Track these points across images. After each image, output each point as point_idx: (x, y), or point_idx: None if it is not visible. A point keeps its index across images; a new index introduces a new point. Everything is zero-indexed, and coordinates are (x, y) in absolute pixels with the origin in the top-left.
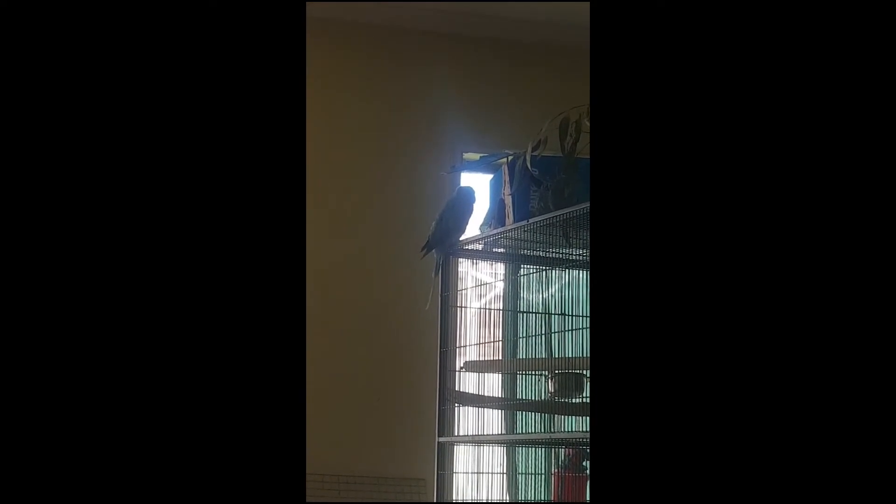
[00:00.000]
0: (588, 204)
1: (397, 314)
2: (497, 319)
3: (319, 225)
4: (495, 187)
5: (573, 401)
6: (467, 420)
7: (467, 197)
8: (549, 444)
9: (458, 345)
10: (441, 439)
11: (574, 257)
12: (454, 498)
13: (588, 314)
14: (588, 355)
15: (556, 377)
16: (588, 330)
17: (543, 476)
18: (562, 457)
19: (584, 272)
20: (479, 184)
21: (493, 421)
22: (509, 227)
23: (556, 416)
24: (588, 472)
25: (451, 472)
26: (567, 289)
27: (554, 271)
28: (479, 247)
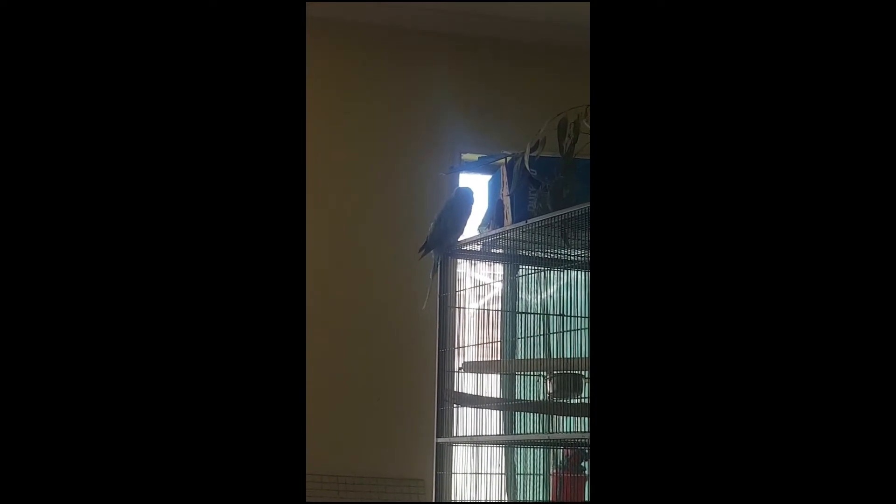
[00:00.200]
0: (587, 205)
1: (396, 315)
2: (495, 320)
3: (319, 225)
4: (494, 188)
5: (572, 401)
6: (466, 421)
7: (466, 197)
8: (548, 444)
9: (456, 345)
10: (440, 440)
11: (572, 258)
12: (453, 498)
13: (586, 315)
14: (586, 356)
15: (555, 378)
16: (586, 331)
17: (542, 476)
18: (560, 457)
19: (583, 273)
20: (477, 184)
21: (491, 421)
22: (508, 228)
23: (554, 416)
24: (586, 472)
25: (450, 473)
26: (565, 289)
27: (552, 272)
28: (478, 247)
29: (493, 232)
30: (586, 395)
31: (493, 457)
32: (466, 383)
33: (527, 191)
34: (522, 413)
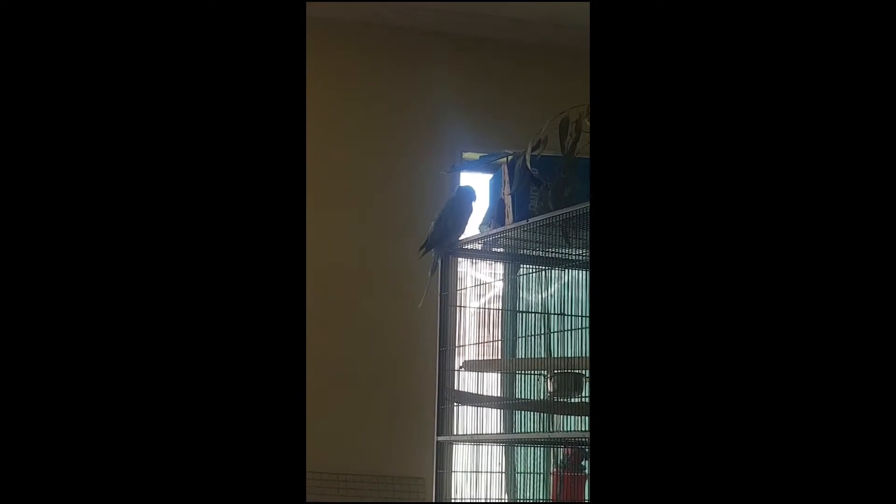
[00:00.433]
0: (588, 204)
1: (397, 313)
2: (496, 319)
3: (319, 224)
4: (495, 187)
5: (572, 400)
6: (466, 419)
7: (467, 196)
8: (548, 443)
9: (457, 344)
10: (440, 438)
11: (573, 257)
12: (453, 497)
13: (587, 314)
14: (587, 355)
15: (555, 377)
16: (587, 330)
17: (542, 475)
18: (560, 456)
19: (584, 272)
20: (478, 183)
21: (491, 420)
22: (509, 227)
23: (554, 415)
24: (587, 471)
25: (450, 471)
26: (566, 289)
27: (553, 271)
28: (479, 246)
29: (495, 231)
30: (587, 395)
31: (494, 455)
32: (467, 382)
33: (528, 190)
34: (523, 412)
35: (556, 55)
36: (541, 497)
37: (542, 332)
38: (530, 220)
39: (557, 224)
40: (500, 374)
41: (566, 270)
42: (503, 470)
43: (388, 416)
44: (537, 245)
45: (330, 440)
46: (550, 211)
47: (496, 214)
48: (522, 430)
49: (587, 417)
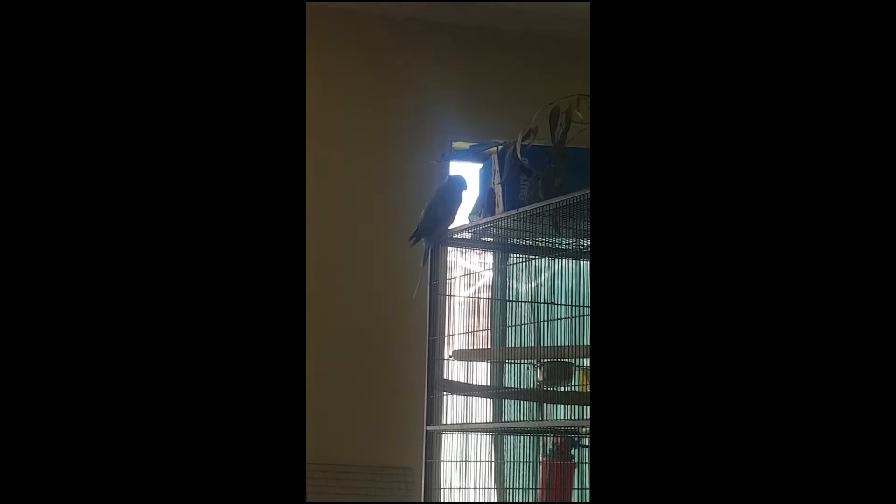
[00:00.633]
0: (578, 193)
1: (387, 303)
2: (486, 308)
3: (310, 214)
4: (485, 176)
5: (561, 389)
6: (455, 408)
7: (457, 186)
8: (537, 432)
9: (446, 333)
10: (429, 428)
11: (563, 246)
12: (442, 486)
13: (576, 303)
14: (576, 344)
15: (544, 366)
16: (576, 319)
17: (531, 464)
18: (549, 445)
19: (573, 261)
20: (469, 173)
21: (480, 409)
22: (499, 216)
23: (544, 404)
24: (575, 459)
25: (439, 461)
26: (556, 278)
27: (543, 260)
28: (468, 236)
29: (485, 220)
30: (576, 384)
31: (482, 445)
32: (455, 371)
33: (518, 179)
34: (512, 401)
35: (547, 45)
36: (530, 485)
37: (532, 321)
38: (520, 210)
39: (547, 213)
40: (489, 364)
41: (556, 260)
42: (492, 459)
43: (377, 405)
44: (527, 234)
45: (319, 430)
46: (540, 200)
47: (486, 204)
48: (512, 419)
49: (576, 406)
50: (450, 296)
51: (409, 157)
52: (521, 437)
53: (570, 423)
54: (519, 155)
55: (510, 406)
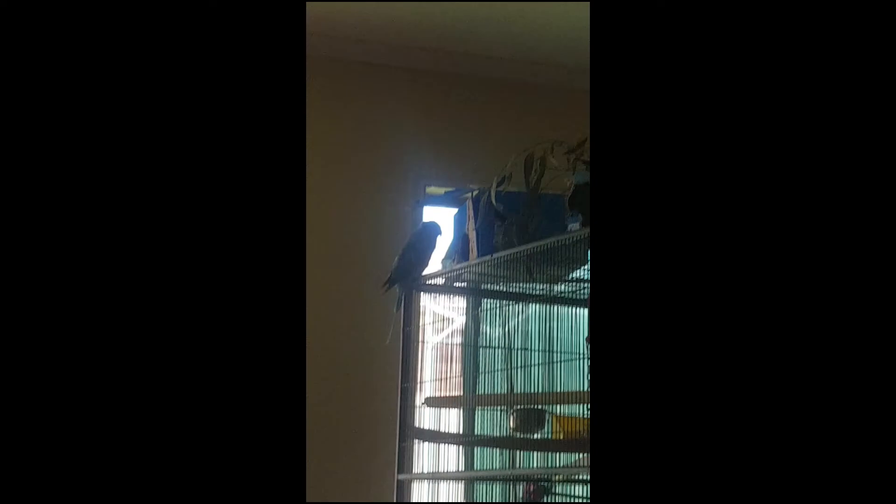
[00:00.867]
0: (551, 239)
1: (359, 349)
2: (457, 354)
3: None
4: (459, 222)
5: (534, 436)
6: (427, 456)
7: (431, 231)
8: (510, 479)
9: (419, 380)
10: (400, 476)
11: (537, 292)
12: None
13: (549, 349)
14: (549, 390)
15: (517, 413)
16: (549, 365)
17: None
18: (520, 492)
19: (547, 307)
20: (443, 218)
21: (452, 456)
22: (474, 262)
23: (516, 451)
24: None
25: None
26: (529, 323)
27: (517, 306)
28: (442, 281)
29: (459, 266)
30: (548, 431)
31: (454, 491)
32: (427, 418)
33: (492, 225)
34: (484, 448)
35: (521, 91)
36: None
37: (504, 367)
38: (494, 255)
39: (521, 259)
40: (461, 410)
41: (529, 305)
42: None
43: (348, 453)
44: (501, 280)
45: None
46: (514, 246)
47: (460, 249)
48: (483, 467)
49: (549, 454)
50: (422, 342)
51: (384, 202)
52: (493, 484)
53: (542, 470)
54: (493, 201)
55: (482, 454)
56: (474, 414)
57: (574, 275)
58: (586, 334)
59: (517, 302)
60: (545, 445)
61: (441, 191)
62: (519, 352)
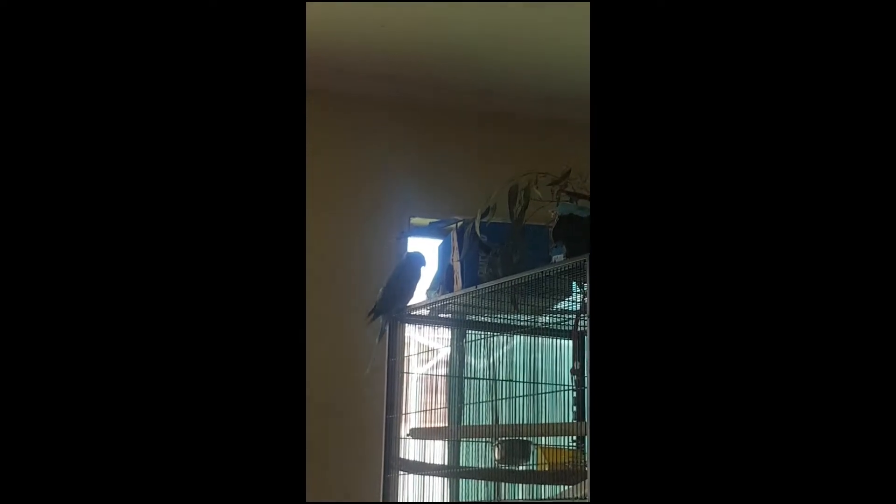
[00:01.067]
0: (536, 270)
1: (343, 380)
2: (442, 385)
3: None
4: (444, 253)
5: (519, 468)
6: (412, 487)
7: (415, 262)
8: None
9: (403, 411)
10: None
11: (521, 323)
12: None
13: (534, 380)
14: (534, 422)
15: (502, 444)
16: (534, 397)
17: None
18: None
19: (531, 338)
20: (427, 249)
21: (436, 488)
22: (458, 293)
23: (501, 483)
24: None
25: None
26: (514, 355)
27: (501, 337)
28: (426, 312)
29: (444, 297)
30: (533, 462)
31: None
32: (412, 450)
33: (477, 256)
34: (469, 480)
35: (506, 123)
36: None
37: (489, 398)
38: (479, 286)
39: (506, 290)
40: (446, 442)
41: (514, 336)
42: None
43: (332, 485)
44: (485, 311)
45: None
46: (499, 277)
47: (445, 280)
48: (468, 498)
49: (534, 486)
50: (407, 373)
51: (368, 232)
52: None
53: (528, 502)
54: (478, 232)
55: (467, 485)
56: (459, 445)
57: (558, 306)
58: (571, 366)
59: (502, 333)
60: (530, 477)
61: (425, 222)
62: (504, 383)
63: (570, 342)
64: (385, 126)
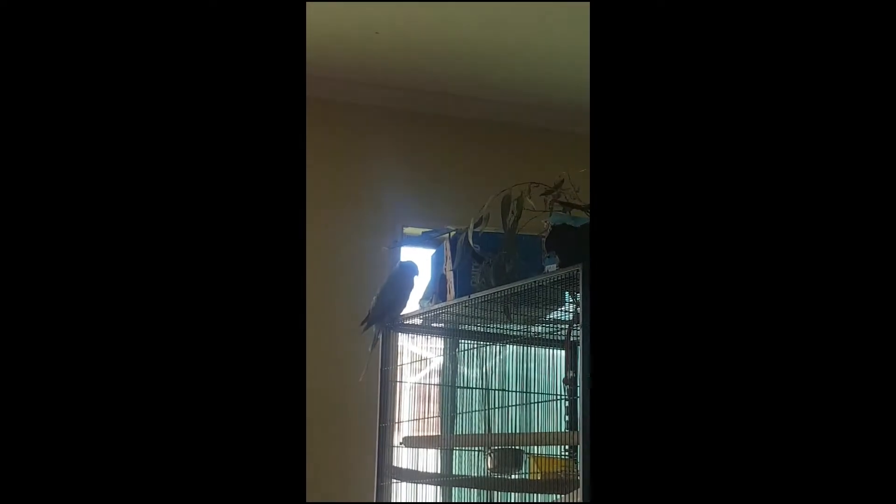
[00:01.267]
0: (529, 280)
1: (337, 389)
2: (435, 394)
3: None
4: (437, 262)
5: (511, 477)
6: (405, 496)
7: (409, 271)
8: None
9: (396, 420)
10: None
11: (514, 333)
12: None
13: (527, 390)
14: (526, 431)
15: (495, 453)
16: (527, 406)
17: None
18: None
19: (524, 348)
20: (420, 259)
21: (430, 497)
22: (451, 303)
23: (494, 492)
24: None
25: None
26: (506, 364)
27: (494, 347)
28: (419, 321)
29: (437, 306)
30: (526, 471)
31: None
32: (404, 458)
33: (470, 266)
34: (461, 489)
35: (499, 132)
36: None
37: (482, 407)
38: (472, 296)
39: (499, 300)
40: (438, 451)
41: (507, 346)
42: None
43: (324, 494)
44: (478, 321)
45: None
46: (492, 287)
47: (438, 290)
48: None
49: (526, 494)
50: (400, 382)
51: (361, 242)
52: None
53: None
54: (471, 241)
55: (460, 494)
56: (452, 454)
57: (551, 316)
58: (563, 375)
59: (495, 343)
60: (523, 486)
61: (418, 231)
62: (496, 392)
63: (563, 352)
64: (378, 136)
